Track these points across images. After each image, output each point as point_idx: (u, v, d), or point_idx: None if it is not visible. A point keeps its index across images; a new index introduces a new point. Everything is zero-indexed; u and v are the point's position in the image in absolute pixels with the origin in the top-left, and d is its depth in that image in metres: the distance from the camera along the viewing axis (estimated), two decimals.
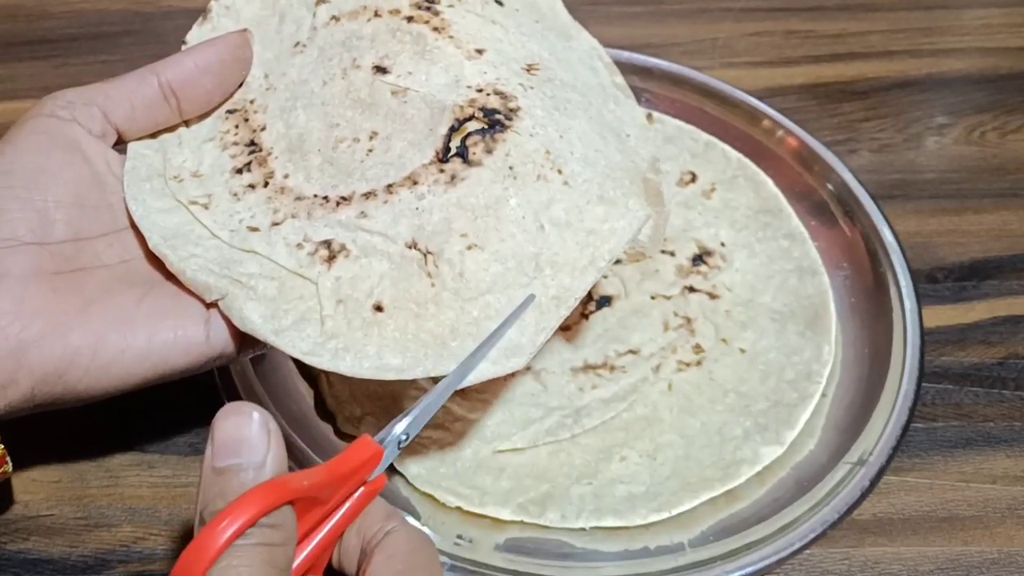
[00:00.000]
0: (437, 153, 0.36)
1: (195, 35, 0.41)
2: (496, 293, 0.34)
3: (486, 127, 0.36)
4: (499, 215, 0.35)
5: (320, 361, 0.33)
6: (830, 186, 0.52)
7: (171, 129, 0.39)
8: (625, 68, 0.57)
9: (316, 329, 0.33)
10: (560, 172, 0.36)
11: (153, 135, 0.39)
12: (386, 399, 0.44)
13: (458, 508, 0.41)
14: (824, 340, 0.47)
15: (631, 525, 0.40)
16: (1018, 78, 0.64)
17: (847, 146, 0.58)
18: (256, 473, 0.26)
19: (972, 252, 0.53)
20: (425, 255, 0.34)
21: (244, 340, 0.35)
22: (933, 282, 0.51)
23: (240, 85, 0.40)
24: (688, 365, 0.46)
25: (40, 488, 0.42)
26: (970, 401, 0.47)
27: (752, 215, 0.52)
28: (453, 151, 0.36)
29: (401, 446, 0.31)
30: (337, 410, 0.44)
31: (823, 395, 0.45)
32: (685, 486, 0.42)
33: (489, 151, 0.36)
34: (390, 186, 0.36)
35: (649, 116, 0.56)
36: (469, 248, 0.34)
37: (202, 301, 0.34)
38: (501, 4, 0.42)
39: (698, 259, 0.50)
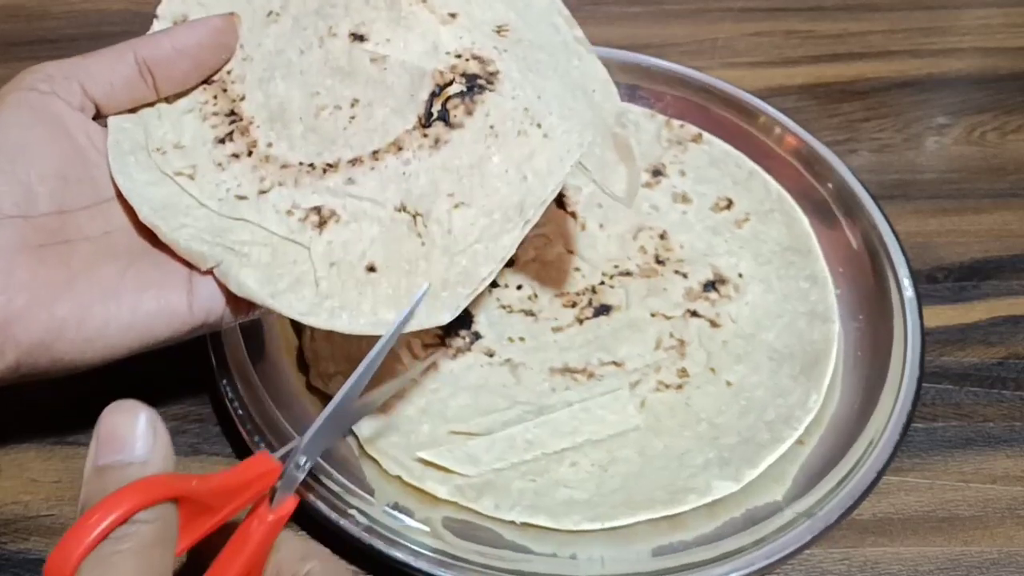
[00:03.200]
0: (420, 118, 0.37)
1: (164, 8, 0.41)
2: (485, 242, 0.35)
3: (465, 90, 0.37)
4: (483, 172, 0.36)
5: (317, 320, 0.34)
6: (831, 186, 0.52)
7: (150, 104, 0.39)
8: (625, 68, 0.58)
9: (311, 291, 0.34)
10: (539, 126, 0.37)
11: (132, 109, 0.39)
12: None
13: (399, 477, 0.41)
14: (814, 388, 0.44)
15: (561, 529, 0.40)
16: (1018, 78, 0.64)
17: (847, 146, 0.58)
18: (139, 470, 0.26)
19: (972, 252, 0.53)
20: (414, 216, 0.35)
21: (229, 307, 0.35)
22: (933, 282, 0.51)
23: (219, 68, 0.40)
24: (668, 387, 0.45)
25: (40, 488, 0.42)
26: (970, 401, 0.47)
27: (779, 251, 0.51)
28: (435, 115, 0.37)
29: (300, 470, 0.31)
30: (313, 363, 0.45)
31: (800, 443, 0.43)
32: (627, 502, 0.41)
33: (469, 112, 0.37)
34: (375, 152, 0.37)
35: (699, 136, 0.55)
36: (456, 207, 0.35)
37: (190, 267, 0.35)
38: None
39: (710, 285, 0.49)
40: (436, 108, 0.37)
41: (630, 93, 0.57)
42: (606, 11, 0.68)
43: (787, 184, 0.53)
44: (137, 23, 0.66)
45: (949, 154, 0.59)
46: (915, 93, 0.63)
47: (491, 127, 0.36)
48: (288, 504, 0.30)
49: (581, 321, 0.48)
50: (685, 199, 0.53)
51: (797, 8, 0.69)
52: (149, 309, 0.33)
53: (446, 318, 0.34)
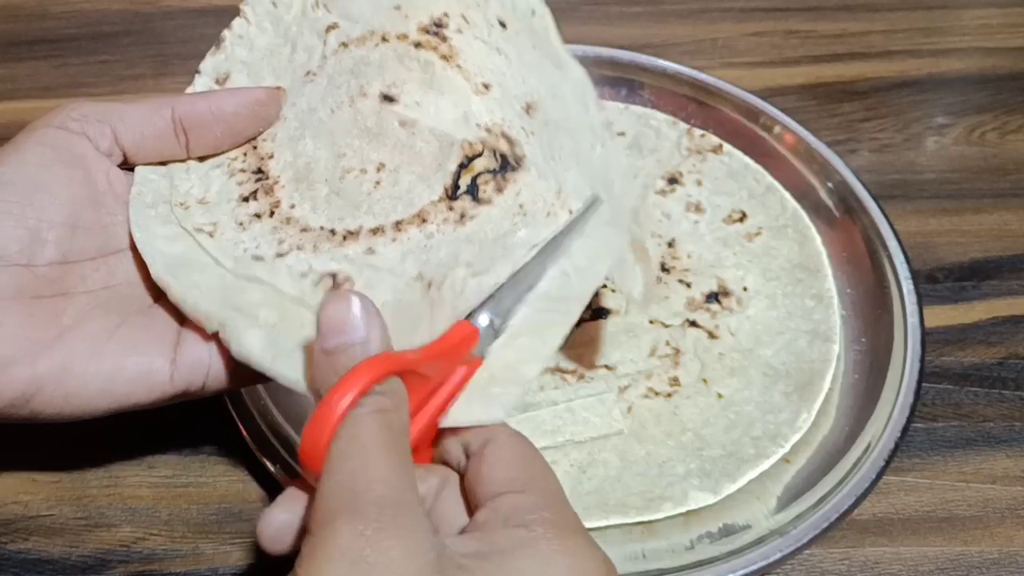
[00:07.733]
0: (446, 190, 0.36)
1: (208, 64, 0.41)
2: (528, 335, 0.33)
3: (497, 168, 0.36)
4: (506, 244, 0.35)
5: None
6: (831, 185, 0.52)
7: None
8: (625, 68, 0.58)
9: None
10: (571, 212, 0.36)
11: (161, 162, 0.38)
12: None
13: None
14: (806, 407, 0.44)
15: None
16: (1018, 78, 0.64)
17: (847, 146, 0.59)
18: (362, 349, 0.29)
19: (972, 252, 0.53)
20: (429, 284, 0.34)
21: (227, 376, 0.34)
22: (933, 282, 0.51)
23: (255, 137, 0.39)
24: (657, 394, 0.45)
25: (40, 488, 0.42)
26: (970, 401, 0.47)
27: (789, 268, 0.50)
28: (463, 188, 0.36)
29: (497, 329, 0.33)
30: None
31: (786, 461, 0.42)
32: (600, 505, 0.40)
33: (500, 190, 0.36)
34: (399, 223, 0.36)
35: (719, 147, 0.55)
36: (474, 275, 0.34)
37: (179, 329, 0.34)
38: (504, 27, 0.42)
39: (713, 297, 0.49)
40: (465, 181, 0.36)
41: (631, 92, 0.58)
42: (606, 11, 0.67)
43: (788, 183, 0.53)
44: (137, 23, 0.67)
45: (949, 154, 0.59)
46: (915, 93, 0.63)
47: (520, 205, 0.36)
48: (474, 363, 0.32)
49: (578, 324, 0.48)
50: (698, 209, 0.53)
51: (797, 8, 0.69)
52: (130, 374, 0.33)
53: (499, 415, 0.32)
